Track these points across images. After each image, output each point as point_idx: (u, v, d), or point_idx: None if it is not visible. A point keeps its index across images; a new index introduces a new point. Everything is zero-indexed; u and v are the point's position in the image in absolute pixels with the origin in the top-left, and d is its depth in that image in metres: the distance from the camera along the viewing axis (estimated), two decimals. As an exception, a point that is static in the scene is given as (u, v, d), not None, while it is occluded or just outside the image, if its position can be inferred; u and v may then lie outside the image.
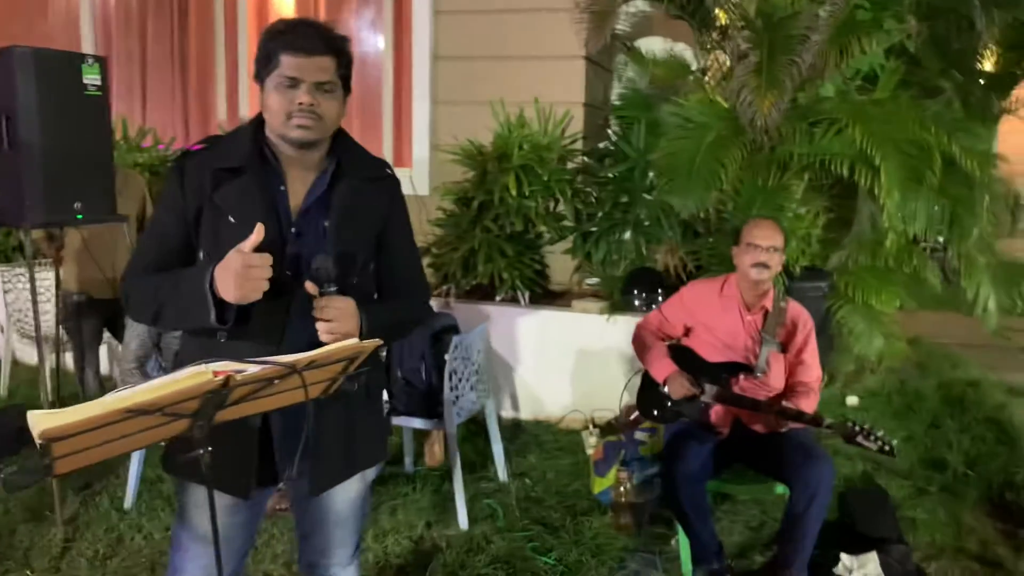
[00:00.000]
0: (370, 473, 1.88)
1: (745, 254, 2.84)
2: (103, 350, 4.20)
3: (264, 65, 1.61)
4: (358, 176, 1.71)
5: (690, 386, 2.87)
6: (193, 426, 1.14)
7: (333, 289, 1.55)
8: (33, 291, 3.25)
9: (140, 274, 1.64)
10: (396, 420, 3.38)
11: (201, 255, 1.64)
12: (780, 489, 2.93)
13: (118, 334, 4.05)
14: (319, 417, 1.59)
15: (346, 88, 1.68)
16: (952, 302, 4.87)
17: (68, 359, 4.32)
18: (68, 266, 3.87)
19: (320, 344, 1.49)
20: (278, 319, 1.59)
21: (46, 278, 4.31)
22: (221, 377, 1.06)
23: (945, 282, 4.59)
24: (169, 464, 1.72)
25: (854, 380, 4.56)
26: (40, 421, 0.94)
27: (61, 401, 3.51)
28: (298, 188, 1.66)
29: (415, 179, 5.00)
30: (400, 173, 5.26)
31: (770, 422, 2.63)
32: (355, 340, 1.26)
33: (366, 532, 3.17)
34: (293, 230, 1.64)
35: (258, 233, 1.50)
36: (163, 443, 1.53)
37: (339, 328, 1.52)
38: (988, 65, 5.88)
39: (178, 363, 1.65)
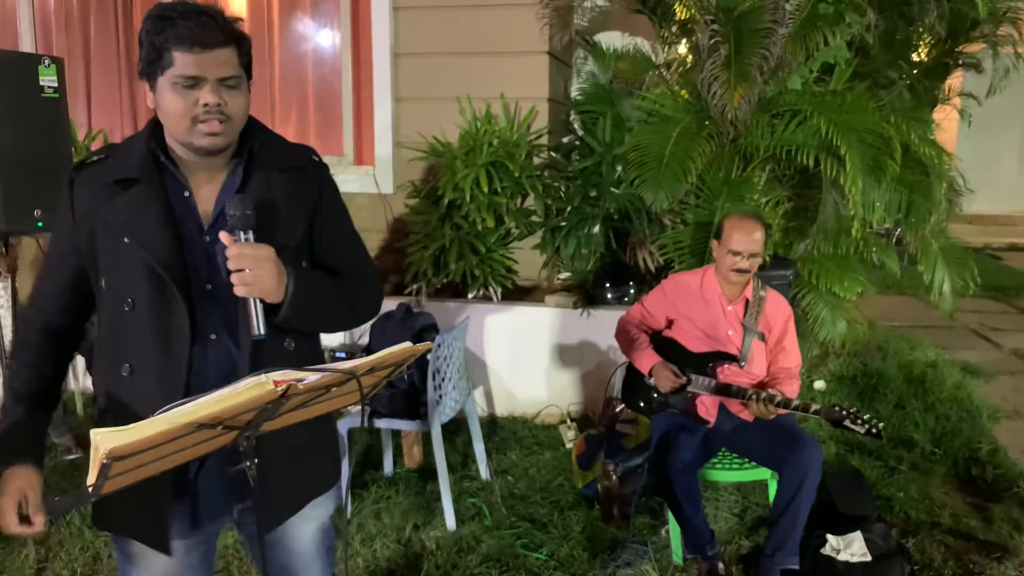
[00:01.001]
0: (328, 503, 1.72)
1: (725, 257, 2.87)
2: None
3: (153, 62, 1.39)
4: (274, 166, 1.52)
5: (675, 377, 2.91)
6: (240, 438, 1.10)
7: (248, 236, 1.37)
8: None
9: (33, 320, 1.55)
10: (379, 423, 3.35)
11: (103, 283, 1.49)
12: (765, 475, 2.99)
13: (79, 348, 3.90)
14: (260, 442, 1.39)
15: (248, 77, 1.49)
16: (907, 286, 5.04)
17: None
18: (24, 277, 3.71)
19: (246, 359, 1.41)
20: (183, 347, 1.44)
21: (2, 287, 4.12)
22: (282, 387, 1.02)
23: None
24: (102, 520, 1.58)
25: (820, 364, 4.68)
26: (107, 439, 0.89)
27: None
28: (206, 192, 1.49)
29: (378, 177, 4.93)
30: (362, 172, 5.20)
31: (760, 411, 2.67)
32: (408, 344, 1.21)
33: (352, 538, 3.13)
34: (207, 239, 1.46)
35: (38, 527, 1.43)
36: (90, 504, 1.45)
37: (253, 279, 1.36)
38: (922, 56, 6.09)
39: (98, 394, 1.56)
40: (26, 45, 5.42)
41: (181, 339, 1.44)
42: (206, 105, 1.38)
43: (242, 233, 1.37)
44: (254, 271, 1.36)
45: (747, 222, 2.85)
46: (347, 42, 5.08)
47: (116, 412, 1.46)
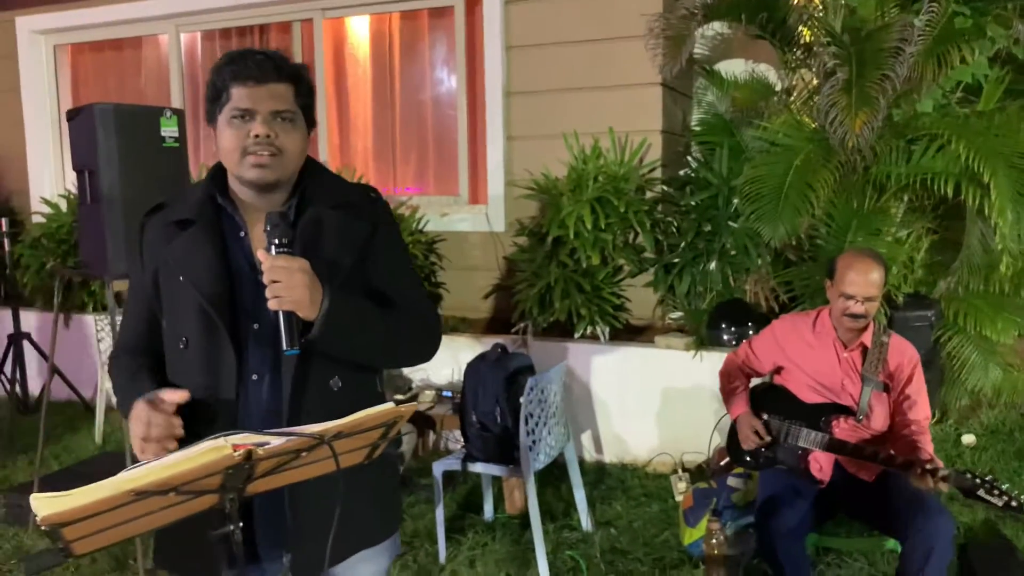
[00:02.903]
0: (382, 558, 1.65)
1: (838, 299, 2.60)
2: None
3: (214, 102, 1.45)
4: (327, 203, 1.51)
5: (757, 436, 2.66)
6: (223, 500, 1.05)
7: (283, 249, 1.35)
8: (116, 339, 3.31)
9: (120, 355, 1.56)
10: (472, 467, 3.27)
11: (165, 323, 1.53)
12: (891, 544, 2.66)
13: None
14: (300, 489, 1.37)
15: (309, 121, 1.51)
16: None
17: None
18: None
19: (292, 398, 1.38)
20: (231, 384, 1.45)
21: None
22: (242, 451, 0.96)
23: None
24: (162, 558, 1.56)
25: (969, 416, 4.18)
26: (41, 506, 0.86)
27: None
28: (261, 232, 1.45)
29: (491, 216, 4.93)
30: (476, 210, 5.23)
31: (927, 481, 2.31)
32: (390, 405, 1.13)
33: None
34: (261, 279, 1.42)
35: (180, 395, 1.39)
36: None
37: (285, 291, 1.33)
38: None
39: None
40: (176, 100, 5.87)
41: (228, 378, 1.45)
42: (256, 136, 1.41)
43: (275, 246, 1.36)
44: (286, 282, 1.34)
45: (863, 261, 2.57)
46: (462, 83, 5.15)
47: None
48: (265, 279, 1.34)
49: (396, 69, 5.47)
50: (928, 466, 2.31)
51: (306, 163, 1.55)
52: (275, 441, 1.00)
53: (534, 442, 3.16)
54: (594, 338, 4.29)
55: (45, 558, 1.69)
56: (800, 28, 4.09)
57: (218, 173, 1.54)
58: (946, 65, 3.42)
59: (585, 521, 3.51)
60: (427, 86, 5.44)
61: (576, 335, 4.28)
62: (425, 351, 1.61)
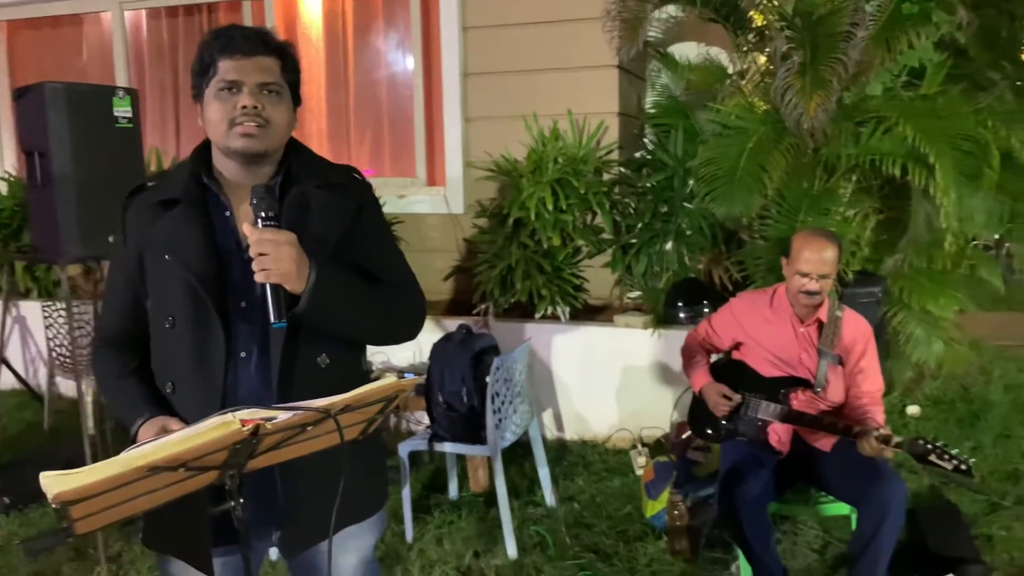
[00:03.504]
0: (369, 534, 1.69)
1: (793, 276, 2.69)
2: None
3: (201, 76, 1.47)
4: (312, 183, 1.53)
5: (726, 399, 2.74)
6: (223, 477, 1.05)
7: (270, 222, 1.37)
8: (71, 326, 3.23)
9: (101, 346, 1.56)
10: (439, 446, 3.29)
11: (150, 303, 1.53)
12: (846, 509, 2.77)
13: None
14: (291, 465, 1.38)
15: (295, 97, 1.53)
16: (1014, 302, 4.64)
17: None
18: (105, 300, 3.87)
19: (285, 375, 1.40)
20: (221, 363, 1.45)
21: (85, 312, 4.31)
22: (250, 426, 0.97)
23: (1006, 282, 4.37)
24: (151, 539, 1.55)
25: (914, 388, 4.36)
26: (54, 484, 0.86)
27: (102, 433, 3.47)
28: (247, 211, 1.46)
29: (449, 198, 4.93)
30: (433, 192, 5.23)
31: (873, 446, 2.43)
32: (393, 379, 1.15)
33: (412, 564, 3.08)
34: (245, 256, 1.42)
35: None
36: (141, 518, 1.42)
37: (272, 263, 1.34)
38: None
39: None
40: (120, 79, 5.70)
41: (217, 356, 1.45)
42: (244, 107, 1.42)
43: (261, 220, 1.37)
44: (273, 254, 1.35)
45: (818, 240, 2.65)
46: (419, 64, 5.12)
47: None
48: (252, 252, 1.35)
49: (350, 49, 5.41)
50: (879, 433, 2.42)
51: (290, 142, 1.56)
52: (282, 416, 1.01)
53: (500, 420, 3.20)
54: (554, 318, 4.34)
55: (46, 539, 1.67)
56: (752, 12, 4.17)
57: (203, 153, 1.54)
58: (893, 50, 3.54)
59: (549, 497, 3.57)
60: (382, 66, 5.39)
61: (537, 315, 4.33)
62: (411, 328, 1.63)
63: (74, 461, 4.18)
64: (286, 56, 1.50)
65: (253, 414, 0.99)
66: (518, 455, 3.87)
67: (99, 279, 3.82)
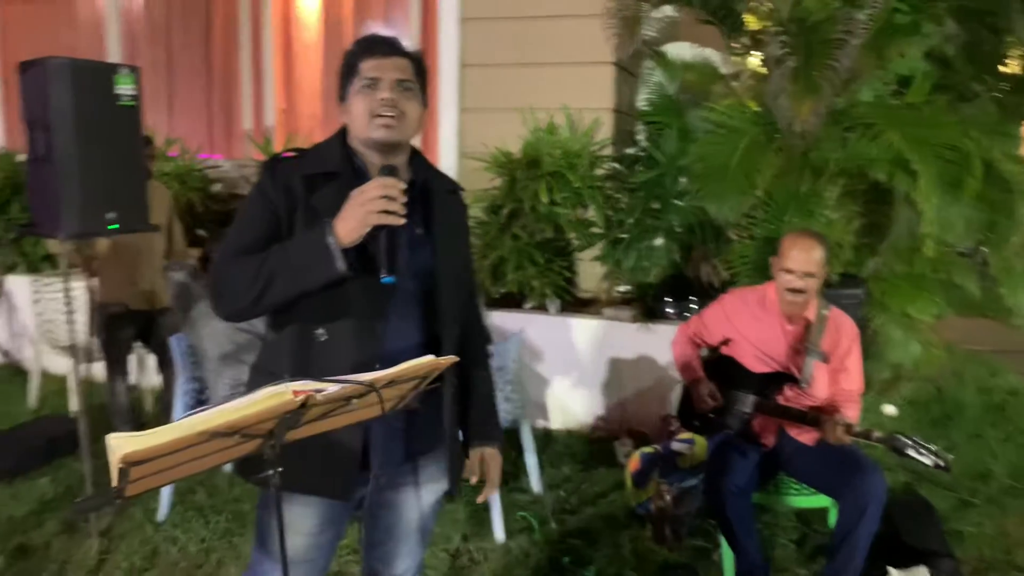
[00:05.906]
0: (442, 481, 1.86)
1: (780, 276, 2.79)
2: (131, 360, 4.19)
3: (346, 78, 1.65)
4: (442, 188, 1.74)
5: (710, 399, 2.83)
6: (264, 446, 1.11)
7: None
8: (68, 302, 3.24)
9: (233, 257, 1.58)
10: (431, 431, 3.35)
11: None
12: (825, 502, 2.88)
13: (150, 345, 4.04)
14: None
15: (423, 99, 1.68)
16: (988, 308, 4.78)
17: (93, 368, 4.34)
18: (101, 276, 3.88)
19: (416, 346, 1.54)
20: (376, 321, 1.59)
21: (75, 288, 4.30)
22: (301, 397, 1.02)
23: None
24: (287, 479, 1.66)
25: (890, 389, 4.48)
26: (122, 445, 0.91)
27: (91, 411, 3.48)
28: None
29: (442, 187, 4.96)
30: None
31: (836, 432, 2.56)
32: (431, 357, 1.22)
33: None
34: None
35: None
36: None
37: (399, 208, 1.51)
38: (1016, 68, 5.79)
39: (270, 363, 1.63)
40: (113, 55, 5.67)
41: (373, 313, 1.59)
42: (383, 99, 1.58)
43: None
44: (401, 200, 1.51)
45: (806, 240, 2.76)
46: (416, 53, 5.14)
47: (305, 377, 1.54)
48: (376, 194, 1.48)
49: (348, 36, 5.42)
50: (839, 419, 2.58)
51: (412, 149, 1.73)
52: (331, 388, 1.07)
53: (492, 407, 3.26)
54: (543, 309, 4.41)
55: (96, 500, 1.70)
56: (745, 16, 4.25)
57: (344, 139, 1.69)
58: (884, 58, 3.63)
59: (536, 484, 3.64)
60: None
61: (527, 306, 4.39)
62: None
63: (59, 437, 4.17)
64: (417, 60, 1.67)
65: (304, 386, 1.05)
66: (506, 443, 3.93)
67: (92, 256, 3.83)
